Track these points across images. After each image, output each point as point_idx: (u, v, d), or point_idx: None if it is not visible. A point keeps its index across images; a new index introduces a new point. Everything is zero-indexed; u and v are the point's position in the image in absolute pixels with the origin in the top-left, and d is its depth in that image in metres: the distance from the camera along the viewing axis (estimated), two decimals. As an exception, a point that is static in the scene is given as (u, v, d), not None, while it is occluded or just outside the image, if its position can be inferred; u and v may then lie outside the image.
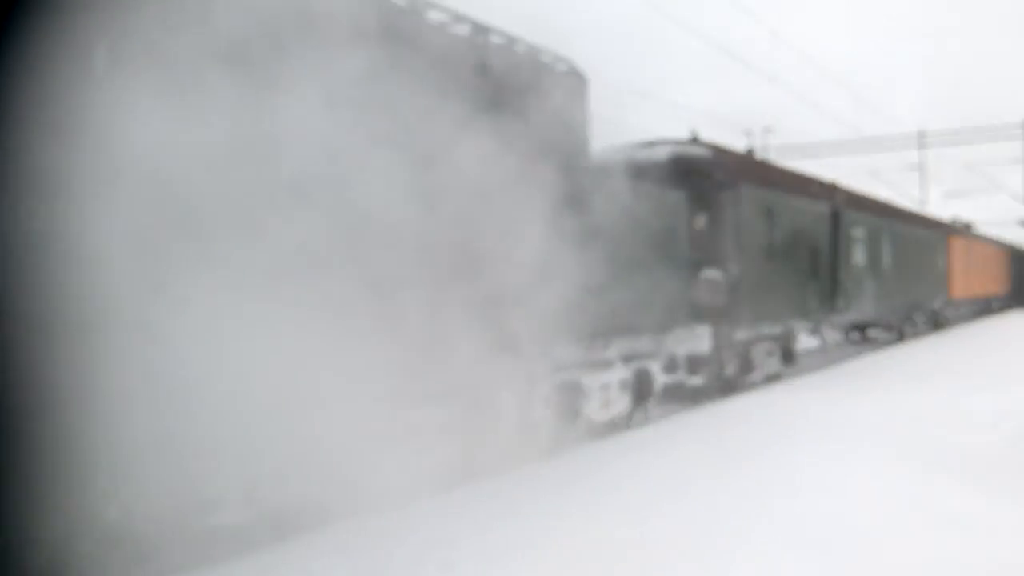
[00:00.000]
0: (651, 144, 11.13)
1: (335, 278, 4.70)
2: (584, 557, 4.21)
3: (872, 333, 20.48)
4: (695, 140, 11.94)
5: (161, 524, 4.12)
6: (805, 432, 7.57)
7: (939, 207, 40.42)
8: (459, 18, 6.90)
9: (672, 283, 9.53)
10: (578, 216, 7.45)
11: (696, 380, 10.19)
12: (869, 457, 6.33)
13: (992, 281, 31.93)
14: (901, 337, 20.97)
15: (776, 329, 12.71)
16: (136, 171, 3.80)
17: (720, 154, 11.62)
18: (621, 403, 8.82)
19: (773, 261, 12.05)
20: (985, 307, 31.47)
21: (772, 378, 12.80)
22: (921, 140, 39.24)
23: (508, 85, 7.16)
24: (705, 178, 10.87)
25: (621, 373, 8.82)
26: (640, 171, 9.36)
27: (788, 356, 13.44)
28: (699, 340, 10.04)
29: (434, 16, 6.60)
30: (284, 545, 4.60)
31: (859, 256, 15.87)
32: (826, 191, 14.49)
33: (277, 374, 4.30)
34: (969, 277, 26.99)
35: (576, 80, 8.31)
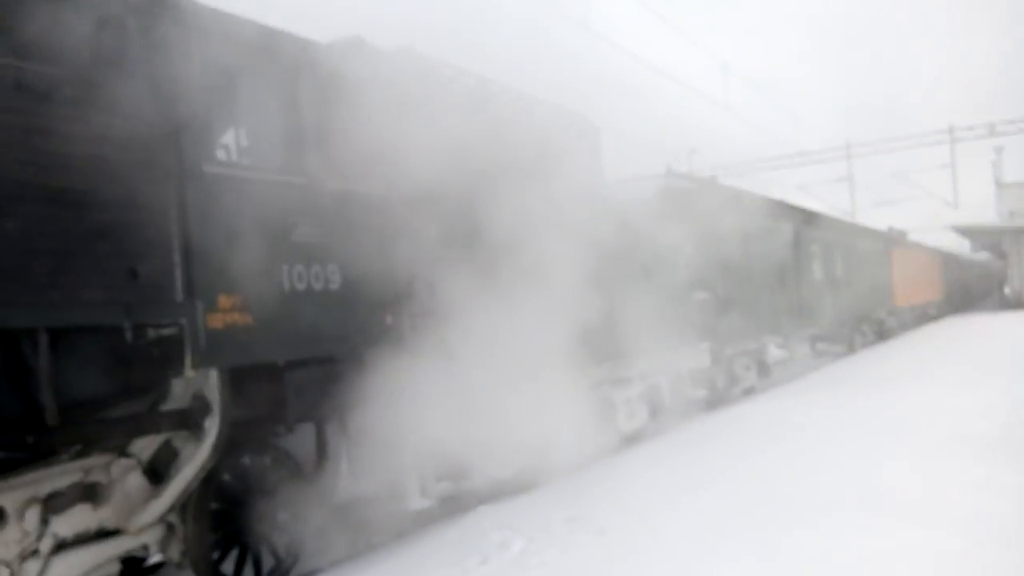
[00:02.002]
0: (638, 180, 13.49)
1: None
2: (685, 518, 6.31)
3: (821, 347, 23.39)
4: (670, 173, 14.42)
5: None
6: (822, 431, 9.77)
7: (869, 216, 44.65)
8: (506, 88, 9.06)
9: (674, 306, 11.84)
10: (604, 249, 9.66)
11: (699, 393, 12.53)
12: (892, 446, 8.45)
13: (928, 288, 35.96)
14: (852, 348, 24.01)
15: (753, 344, 15.23)
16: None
17: (697, 184, 14.11)
18: (641, 415, 11.03)
19: (749, 280, 14.57)
20: (923, 314, 35.36)
21: (749, 390, 15.29)
22: (848, 152, 43.36)
23: (547, 137, 9.33)
24: (687, 207, 13.28)
25: (639, 388, 11.04)
26: (636, 204, 11.67)
27: (763, 369, 16.00)
28: (700, 356, 12.38)
29: (493, 88, 8.75)
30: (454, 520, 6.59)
31: (817, 271, 18.71)
32: (787, 211, 17.24)
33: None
34: (909, 286, 30.63)
35: (592, 130, 10.59)
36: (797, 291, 17.15)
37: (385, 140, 6.53)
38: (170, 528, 5.61)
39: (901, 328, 30.14)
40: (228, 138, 5.26)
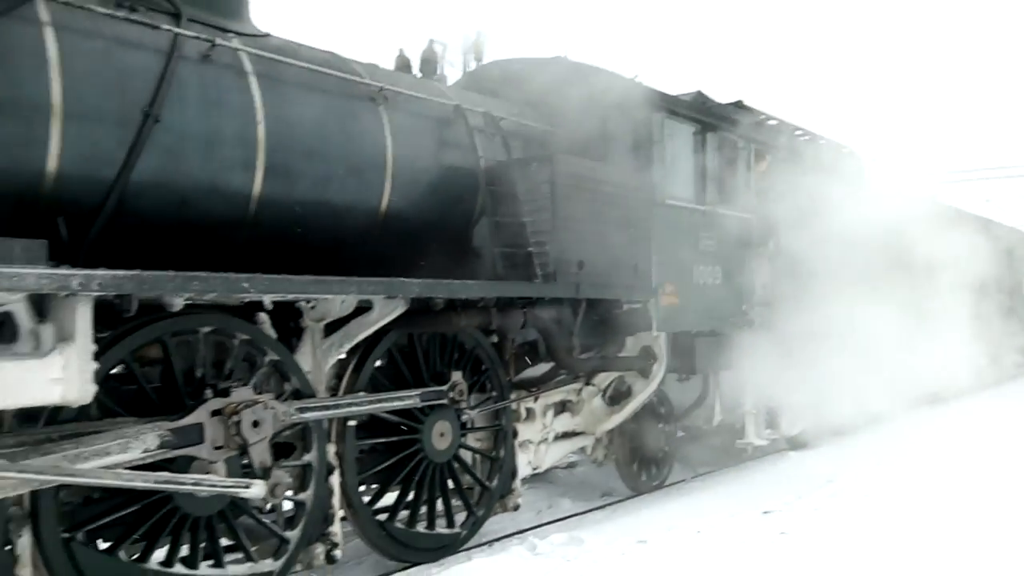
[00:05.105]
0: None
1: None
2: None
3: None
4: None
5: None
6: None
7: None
8: (796, 127, 11.01)
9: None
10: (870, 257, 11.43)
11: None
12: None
13: None
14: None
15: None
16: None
17: (947, 208, 15.51)
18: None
19: (986, 294, 15.78)
20: None
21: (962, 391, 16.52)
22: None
23: (833, 168, 11.19)
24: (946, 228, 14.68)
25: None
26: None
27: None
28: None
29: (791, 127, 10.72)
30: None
31: (1028, 287, 19.54)
32: (1015, 235, 18.27)
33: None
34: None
35: (857, 160, 12.36)
36: (1011, 304, 18.10)
37: (753, 176, 8.73)
38: (597, 440, 8.03)
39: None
40: (670, 180, 7.57)
